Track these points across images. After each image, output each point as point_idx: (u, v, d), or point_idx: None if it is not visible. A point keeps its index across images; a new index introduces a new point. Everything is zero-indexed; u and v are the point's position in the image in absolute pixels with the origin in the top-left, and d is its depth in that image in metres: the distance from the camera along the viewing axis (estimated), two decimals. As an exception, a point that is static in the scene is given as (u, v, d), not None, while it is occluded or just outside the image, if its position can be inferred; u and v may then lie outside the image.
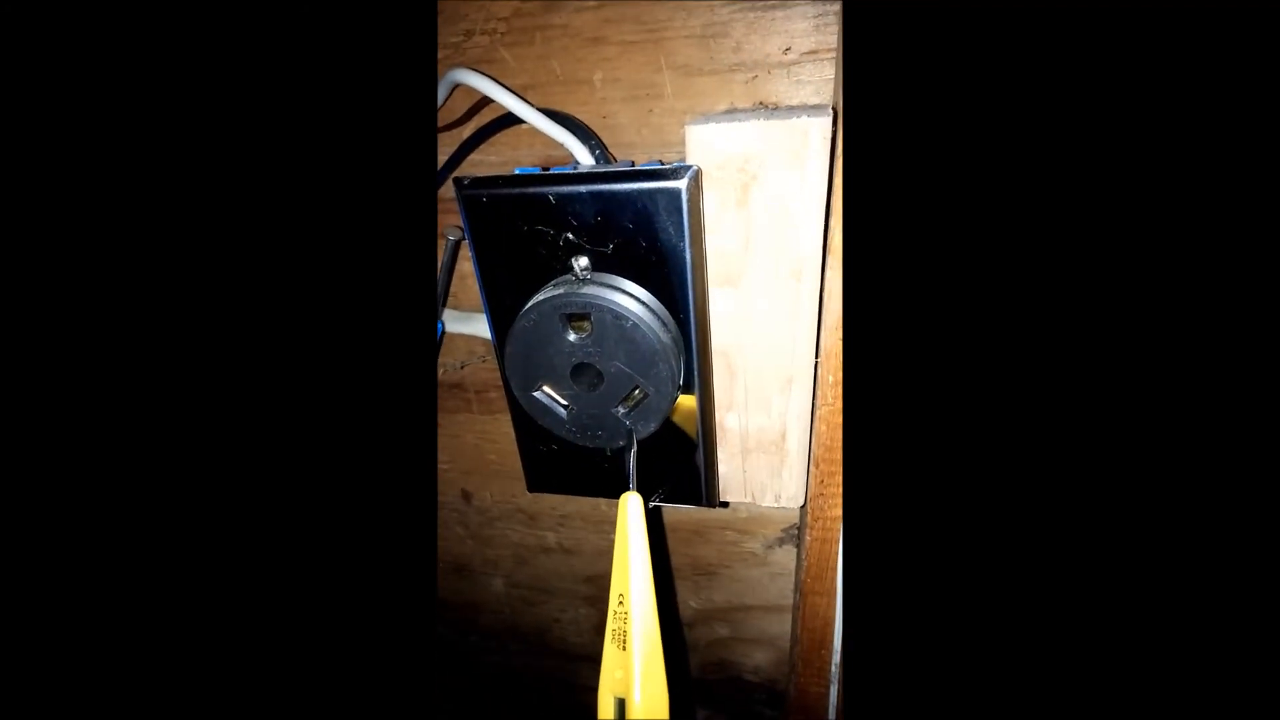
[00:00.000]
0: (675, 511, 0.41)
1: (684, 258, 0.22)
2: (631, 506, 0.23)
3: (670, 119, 0.31)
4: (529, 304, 0.23)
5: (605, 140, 0.32)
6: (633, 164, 0.29)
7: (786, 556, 0.40)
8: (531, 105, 0.29)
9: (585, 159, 0.29)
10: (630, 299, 0.22)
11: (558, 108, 0.32)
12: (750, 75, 0.29)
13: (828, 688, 0.31)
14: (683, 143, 0.22)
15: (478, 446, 0.43)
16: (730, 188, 0.21)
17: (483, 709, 0.56)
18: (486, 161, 0.34)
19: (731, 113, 0.26)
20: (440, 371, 0.40)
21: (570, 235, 0.22)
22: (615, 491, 0.28)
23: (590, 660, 0.50)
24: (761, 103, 0.29)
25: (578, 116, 0.32)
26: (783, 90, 0.28)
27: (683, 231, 0.21)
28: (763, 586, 0.42)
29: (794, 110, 0.22)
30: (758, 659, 0.46)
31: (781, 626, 0.44)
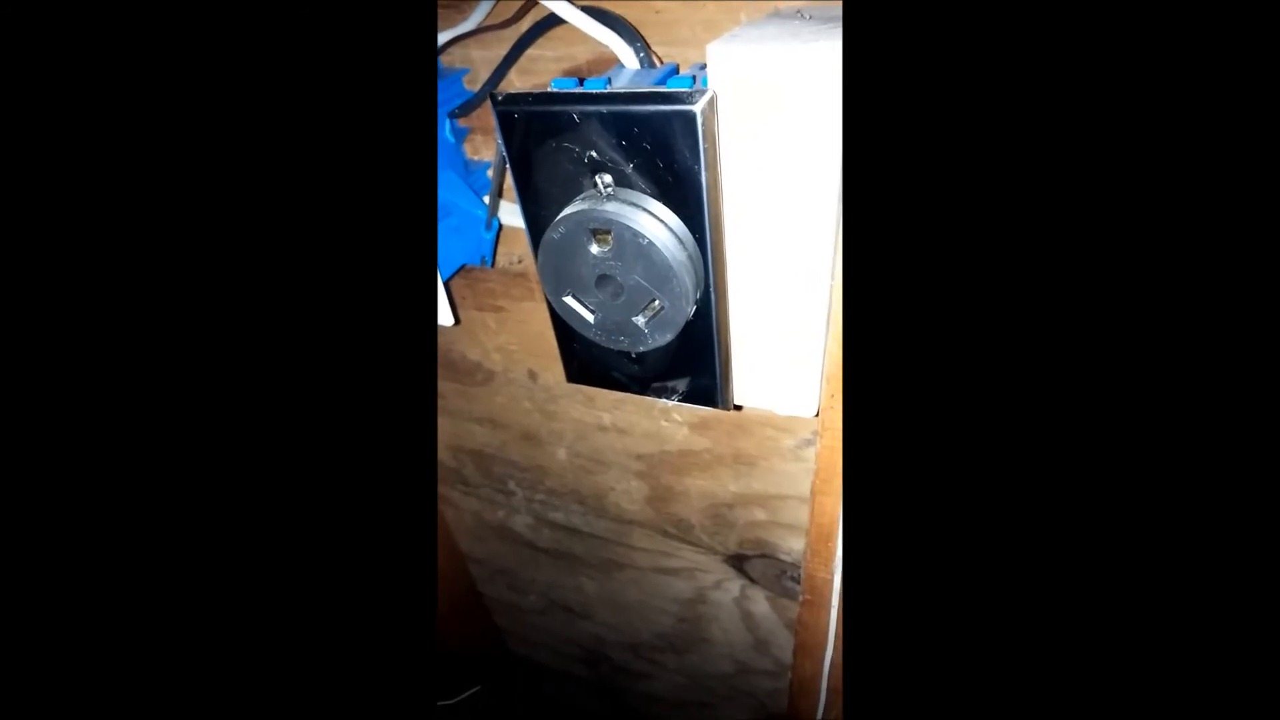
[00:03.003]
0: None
1: (699, 179, 0.22)
2: None
3: (724, 15, 0.30)
4: (557, 218, 0.25)
5: (658, 36, 0.31)
6: (676, 68, 0.29)
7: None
8: (576, 6, 0.28)
9: (630, 61, 0.29)
10: (649, 216, 0.24)
11: (609, 1, 0.31)
12: (808, -33, 0.27)
13: (832, 575, 0.34)
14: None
15: (542, 333, 0.46)
16: (751, 109, 0.21)
17: (547, 552, 0.65)
18: (543, 57, 0.34)
19: (771, 18, 0.25)
20: (504, 263, 0.43)
21: (594, 153, 0.23)
22: (642, 388, 0.31)
23: (641, 525, 0.56)
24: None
25: (630, 10, 0.31)
26: (839, -13, 0.27)
27: (698, 154, 0.22)
28: (797, 480, 0.45)
29: (820, 29, 0.21)
30: (791, 543, 0.49)
31: (813, 517, 0.47)
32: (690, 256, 0.24)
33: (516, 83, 0.36)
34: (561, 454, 0.55)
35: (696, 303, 0.25)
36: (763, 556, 0.52)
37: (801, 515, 0.47)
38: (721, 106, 0.22)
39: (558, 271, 0.26)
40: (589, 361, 0.30)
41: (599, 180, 0.24)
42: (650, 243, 0.23)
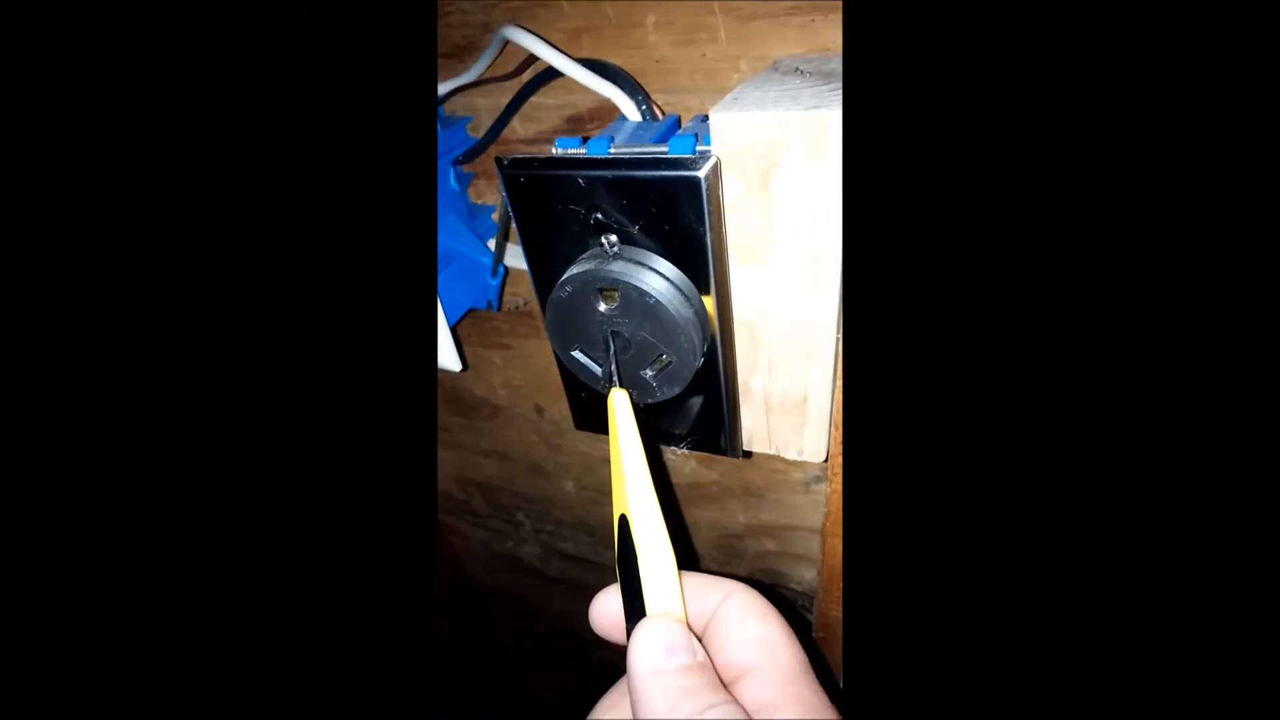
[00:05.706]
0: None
1: (704, 240, 0.22)
2: (618, 402, 0.24)
3: (724, 64, 0.30)
4: (564, 276, 0.25)
5: (657, 85, 0.32)
6: (678, 120, 0.29)
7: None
8: (576, 60, 0.29)
9: (632, 113, 0.29)
10: (655, 275, 0.24)
11: (610, 51, 0.31)
12: (807, 19, 0.28)
13: (844, 614, 0.34)
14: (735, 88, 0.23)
15: (547, 368, 0.47)
16: (752, 173, 0.22)
17: (557, 581, 0.65)
18: (545, 105, 0.35)
19: (770, 73, 0.25)
20: (510, 304, 0.43)
21: (600, 215, 0.23)
22: (651, 436, 0.31)
23: (650, 556, 0.56)
24: (827, 49, 0.28)
25: (631, 59, 0.31)
26: (839, 37, 0.27)
27: (703, 216, 0.22)
28: (806, 512, 0.45)
29: (818, 91, 0.22)
30: (802, 573, 0.49)
31: (824, 548, 0.47)
32: (697, 312, 0.24)
33: (519, 130, 0.36)
34: (569, 486, 0.55)
35: (704, 355, 0.25)
36: (774, 587, 0.51)
37: (812, 546, 0.47)
38: (725, 170, 0.22)
39: (565, 328, 0.26)
40: (597, 411, 0.30)
41: (605, 240, 0.24)
42: (657, 301, 0.23)
